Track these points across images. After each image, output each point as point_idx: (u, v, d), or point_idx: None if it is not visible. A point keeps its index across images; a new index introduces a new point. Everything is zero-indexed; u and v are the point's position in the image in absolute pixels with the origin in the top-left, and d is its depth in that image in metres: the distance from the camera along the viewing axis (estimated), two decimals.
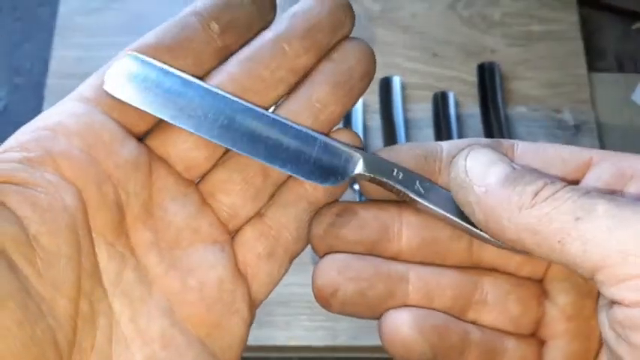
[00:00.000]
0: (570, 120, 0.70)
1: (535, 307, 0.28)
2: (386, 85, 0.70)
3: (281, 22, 0.28)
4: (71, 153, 0.25)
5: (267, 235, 0.28)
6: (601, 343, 0.27)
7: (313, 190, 0.29)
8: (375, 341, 0.60)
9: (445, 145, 0.28)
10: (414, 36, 0.74)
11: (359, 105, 0.69)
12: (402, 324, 0.26)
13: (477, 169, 0.25)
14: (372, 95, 0.70)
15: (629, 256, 0.22)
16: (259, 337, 0.60)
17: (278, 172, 0.28)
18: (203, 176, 0.28)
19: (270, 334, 0.61)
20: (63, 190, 0.24)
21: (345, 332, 0.61)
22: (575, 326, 0.28)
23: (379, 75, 0.71)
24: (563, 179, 0.26)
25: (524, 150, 0.28)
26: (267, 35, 0.28)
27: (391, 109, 0.69)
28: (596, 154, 0.27)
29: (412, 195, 0.27)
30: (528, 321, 0.28)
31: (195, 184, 0.28)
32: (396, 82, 0.70)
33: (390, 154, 0.28)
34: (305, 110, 0.28)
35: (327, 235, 0.28)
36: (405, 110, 0.70)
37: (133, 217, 0.26)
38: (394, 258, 0.28)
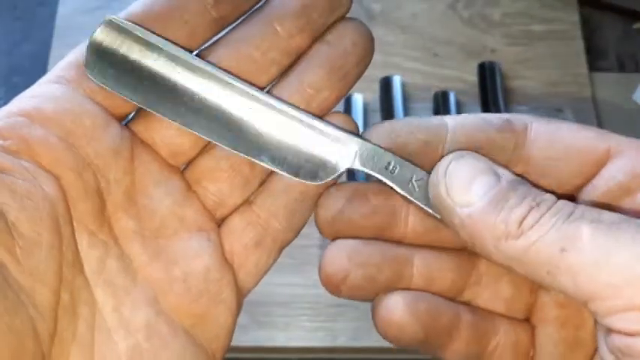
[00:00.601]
0: (571, 119, 0.70)
1: (527, 292, 0.28)
2: (386, 85, 0.70)
3: (273, 1, 0.26)
4: (48, 140, 0.24)
5: (255, 223, 0.27)
6: (593, 335, 0.27)
7: None
8: (375, 342, 0.61)
9: (450, 123, 0.26)
10: (414, 36, 0.74)
11: (359, 104, 0.69)
12: (395, 307, 0.26)
13: (458, 188, 0.24)
14: (373, 95, 0.70)
15: (620, 289, 0.21)
16: (259, 337, 0.60)
17: None
18: (189, 163, 0.28)
19: (270, 335, 0.60)
20: (41, 178, 0.24)
21: (344, 333, 0.60)
22: (566, 314, 0.27)
23: (379, 75, 0.70)
24: (578, 174, 0.25)
25: (538, 135, 0.26)
26: (259, 15, 0.26)
27: (392, 109, 0.69)
28: (614, 144, 0.26)
29: (404, 194, 0.26)
30: (521, 305, 0.28)
31: (181, 171, 0.27)
32: (397, 82, 0.70)
33: (391, 136, 0.26)
34: (296, 95, 0.27)
35: (336, 220, 0.27)
36: (405, 110, 0.69)
37: (115, 205, 0.26)
38: (399, 242, 0.27)
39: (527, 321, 0.28)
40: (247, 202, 0.28)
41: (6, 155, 0.24)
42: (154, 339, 0.25)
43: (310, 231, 0.70)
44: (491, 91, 0.70)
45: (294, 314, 0.61)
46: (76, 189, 0.24)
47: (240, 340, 0.60)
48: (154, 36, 0.26)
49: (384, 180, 0.26)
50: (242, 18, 0.27)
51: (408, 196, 0.26)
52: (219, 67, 0.26)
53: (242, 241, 0.27)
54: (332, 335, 0.60)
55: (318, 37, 0.27)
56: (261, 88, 0.27)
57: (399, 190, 0.26)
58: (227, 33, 0.27)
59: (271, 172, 0.28)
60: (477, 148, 0.26)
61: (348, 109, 0.69)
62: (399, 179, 0.26)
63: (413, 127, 0.26)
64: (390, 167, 0.26)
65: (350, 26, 0.27)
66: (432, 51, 0.73)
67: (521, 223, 0.23)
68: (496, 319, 0.27)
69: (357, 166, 0.26)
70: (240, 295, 0.28)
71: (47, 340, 0.23)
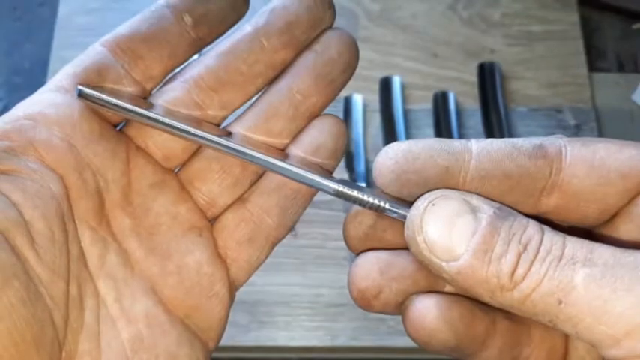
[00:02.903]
0: (570, 120, 0.70)
1: None
2: (386, 85, 0.70)
3: (260, 17, 0.28)
4: (52, 142, 0.26)
5: (247, 220, 0.29)
6: None
7: None
8: (375, 342, 0.61)
9: (475, 148, 0.24)
10: (414, 36, 0.74)
11: (359, 104, 0.69)
12: (428, 312, 0.25)
13: (439, 243, 0.23)
14: (373, 95, 0.70)
15: (619, 340, 0.21)
16: (259, 337, 0.60)
17: None
18: (182, 165, 0.29)
19: (271, 334, 0.61)
20: (48, 178, 0.25)
21: (344, 333, 0.61)
22: None
23: (379, 75, 0.71)
24: (623, 196, 0.24)
25: (575, 160, 0.24)
26: (246, 29, 0.28)
27: (391, 109, 0.69)
28: None
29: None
30: None
31: (174, 173, 0.29)
32: (396, 82, 0.70)
33: (408, 158, 0.24)
34: (285, 101, 0.28)
35: (368, 237, 0.26)
36: (405, 110, 0.70)
37: (113, 204, 0.27)
38: None
39: None
40: (241, 200, 0.29)
41: (15, 157, 0.25)
42: (153, 327, 0.27)
43: (310, 231, 0.70)
44: (491, 91, 0.70)
45: (295, 314, 0.61)
46: (78, 188, 0.26)
47: (241, 339, 0.60)
48: (126, 103, 0.27)
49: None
50: (231, 32, 0.29)
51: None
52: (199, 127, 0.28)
53: (235, 237, 0.29)
54: (332, 335, 0.61)
55: (302, 50, 0.28)
56: (249, 98, 0.29)
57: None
58: (217, 46, 0.29)
59: (264, 171, 0.29)
60: (505, 177, 0.24)
61: (348, 109, 0.69)
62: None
63: (433, 150, 0.24)
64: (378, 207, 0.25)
65: (336, 36, 0.28)
66: (432, 51, 0.74)
67: (512, 274, 0.22)
68: (531, 325, 0.26)
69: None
70: (233, 288, 0.29)
71: (62, 328, 0.24)
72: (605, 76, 0.74)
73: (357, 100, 0.69)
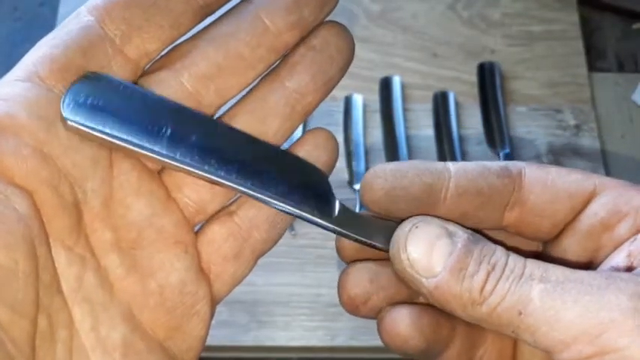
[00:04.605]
0: (570, 120, 0.70)
1: None
2: (386, 85, 0.70)
3: None
4: (21, 153, 0.22)
5: (236, 235, 0.27)
6: None
7: None
8: (374, 342, 0.61)
9: (453, 169, 0.27)
10: (414, 36, 0.74)
11: (359, 104, 0.69)
12: (401, 321, 0.27)
13: (420, 260, 0.25)
14: (372, 95, 0.70)
15: (569, 345, 0.23)
16: (259, 337, 0.60)
17: None
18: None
19: (270, 334, 0.61)
20: (14, 197, 0.22)
21: (344, 333, 0.61)
22: None
23: (379, 75, 0.71)
24: (569, 213, 0.27)
25: (532, 179, 0.27)
26: (247, 8, 0.26)
27: (391, 109, 0.69)
28: (599, 183, 0.27)
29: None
30: None
31: (160, 178, 0.27)
32: (396, 82, 0.70)
33: (396, 176, 0.27)
34: (282, 99, 0.27)
35: (357, 251, 0.28)
36: (405, 110, 0.69)
37: (92, 216, 0.25)
38: None
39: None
40: (229, 212, 0.27)
41: None
42: (130, 356, 0.25)
43: (310, 231, 0.70)
44: (491, 91, 0.70)
45: (294, 314, 0.61)
46: (52, 205, 0.23)
47: (241, 339, 0.60)
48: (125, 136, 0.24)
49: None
50: (228, 9, 0.26)
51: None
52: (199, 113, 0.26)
53: (221, 252, 0.27)
54: (331, 335, 0.61)
55: (304, 37, 0.27)
56: (247, 85, 0.27)
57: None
58: (213, 26, 0.26)
59: None
60: (479, 193, 0.27)
61: (348, 109, 0.69)
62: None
63: (419, 169, 0.27)
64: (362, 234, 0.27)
65: (334, 31, 0.27)
66: (432, 51, 0.74)
67: (482, 290, 0.24)
68: (485, 330, 0.28)
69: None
70: (214, 303, 0.28)
71: None
72: (605, 76, 0.74)
73: (357, 100, 0.69)
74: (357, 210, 0.53)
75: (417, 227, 0.26)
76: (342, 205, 0.27)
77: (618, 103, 0.72)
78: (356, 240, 0.27)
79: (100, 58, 0.24)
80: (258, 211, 0.27)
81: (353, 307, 0.28)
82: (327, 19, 0.27)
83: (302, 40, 0.27)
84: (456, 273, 0.25)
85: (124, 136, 0.24)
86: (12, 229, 0.22)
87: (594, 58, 0.75)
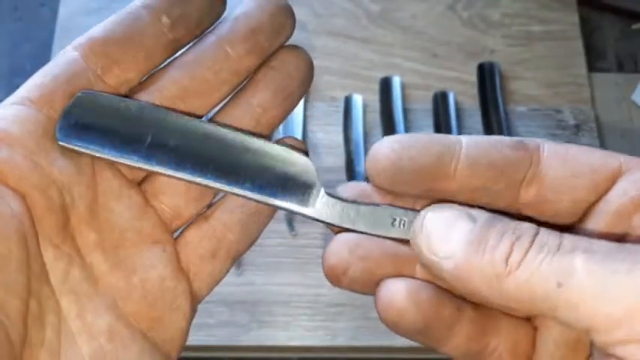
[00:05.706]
0: (570, 120, 0.70)
1: None
2: (386, 85, 0.70)
3: (223, 26, 0.29)
4: (14, 160, 0.26)
5: (210, 237, 0.29)
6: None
7: None
8: (375, 342, 0.61)
9: (465, 141, 0.26)
10: (414, 36, 0.74)
11: (359, 105, 0.69)
12: (397, 292, 0.26)
13: (437, 241, 0.24)
14: (372, 95, 0.70)
15: (620, 321, 0.21)
16: (259, 337, 0.60)
17: None
18: (147, 175, 0.29)
19: (270, 334, 0.61)
20: (8, 198, 0.25)
21: (344, 332, 0.61)
22: None
23: (379, 75, 0.71)
24: (592, 190, 0.25)
25: (551, 154, 0.26)
26: (210, 38, 0.29)
27: (391, 109, 0.69)
28: (625, 161, 0.26)
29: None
30: None
31: (139, 186, 0.29)
32: (396, 82, 0.70)
33: (404, 145, 0.26)
34: (247, 114, 0.29)
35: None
36: (405, 110, 0.70)
37: (79, 219, 0.27)
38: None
39: (528, 321, 0.28)
40: (205, 217, 0.30)
41: None
42: (115, 342, 0.27)
43: (310, 231, 0.70)
44: (491, 91, 0.70)
45: (294, 314, 0.61)
46: (41, 206, 0.26)
47: (241, 339, 0.60)
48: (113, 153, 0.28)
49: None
50: (194, 41, 0.29)
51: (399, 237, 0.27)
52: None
53: (198, 253, 0.29)
54: (332, 334, 0.61)
55: (265, 60, 0.29)
56: (213, 107, 0.29)
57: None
58: (181, 55, 0.29)
59: None
60: (491, 165, 0.26)
61: (348, 109, 0.69)
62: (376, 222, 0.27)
63: (427, 140, 0.26)
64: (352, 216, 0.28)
65: (293, 53, 0.30)
66: (432, 51, 0.74)
67: (507, 260, 0.23)
68: (499, 318, 0.27)
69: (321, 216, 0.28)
70: (195, 301, 0.30)
71: (19, 345, 0.24)
72: (604, 76, 0.74)
73: (357, 100, 0.69)
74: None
75: (435, 210, 0.25)
76: (326, 192, 0.28)
77: (618, 103, 0.72)
78: (338, 227, 0.28)
79: (84, 85, 0.27)
80: (231, 214, 0.29)
81: (334, 278, 0.27)
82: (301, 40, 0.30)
83: (263, 62, 0.29)
84: (475, 247, 0.23)
85: (107, 152, 0.28)
86: (7, 222, 0.24)
87: (594, 59, 0.75)
